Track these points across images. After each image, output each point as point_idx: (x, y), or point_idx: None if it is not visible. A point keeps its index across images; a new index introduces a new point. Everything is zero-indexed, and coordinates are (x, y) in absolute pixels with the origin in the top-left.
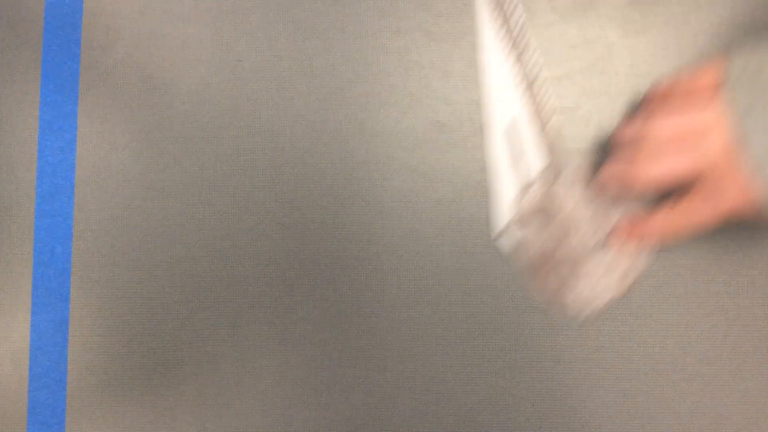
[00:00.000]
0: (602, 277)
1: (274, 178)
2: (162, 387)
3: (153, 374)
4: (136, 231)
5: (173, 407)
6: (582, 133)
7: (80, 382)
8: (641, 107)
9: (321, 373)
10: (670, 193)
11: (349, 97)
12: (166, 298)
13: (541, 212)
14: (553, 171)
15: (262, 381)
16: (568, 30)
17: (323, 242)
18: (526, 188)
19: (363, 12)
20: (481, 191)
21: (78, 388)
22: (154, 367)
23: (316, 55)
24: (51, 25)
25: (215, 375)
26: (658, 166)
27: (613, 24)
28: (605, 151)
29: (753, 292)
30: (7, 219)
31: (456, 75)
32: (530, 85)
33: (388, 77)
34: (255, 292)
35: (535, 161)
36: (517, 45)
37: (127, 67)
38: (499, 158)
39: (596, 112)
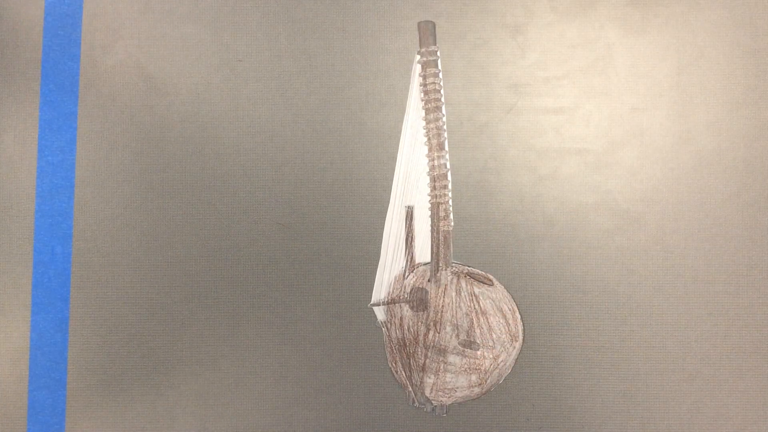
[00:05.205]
0: (462, 375)
1: (274, 178)
2: (162, 387)
3: (153, 374)
4: (136, 231)
5: (173, 407)
6: (582, 133)
7: (80, 382)
8: None
9: (321, 373)
10: None
11: (349, 97)
12: (166, 298)
13: (411, 302)
14: (434, 268)
15: (262, 381)
16: (568, 30)
17: (323, 242)
18: (401, 276)
19: (363, 12)
20: (481, 191)
21: (78, 388)
22: (154, 367)
23: (316, 55)
24: (51, 25)
25: (215, 375)
26: None
27: (613, 24)
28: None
29: (753, 292)
30: (7, 219)
31: (456, 75)
32: (435, 177)
33: (388, 77)
34: (255, 292)
35: (420, 253)
36: (430, 109)
37: (127, 67)
38: (392, 236)
39: (596, 112)
